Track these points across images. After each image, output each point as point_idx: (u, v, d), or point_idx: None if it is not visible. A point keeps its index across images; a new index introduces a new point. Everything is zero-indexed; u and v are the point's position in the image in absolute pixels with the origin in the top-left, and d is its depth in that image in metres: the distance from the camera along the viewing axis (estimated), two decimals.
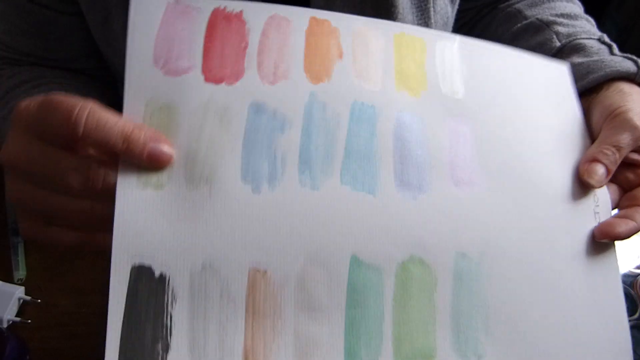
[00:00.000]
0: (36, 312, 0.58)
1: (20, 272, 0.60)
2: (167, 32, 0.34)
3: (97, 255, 0.62)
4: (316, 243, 0.33)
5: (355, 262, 0.33)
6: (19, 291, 0.58)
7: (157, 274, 0.31)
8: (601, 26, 0.55)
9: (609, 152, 0.40)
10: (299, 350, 0.32)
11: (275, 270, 0.32)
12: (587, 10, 0.58)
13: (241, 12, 0.35)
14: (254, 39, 0.35)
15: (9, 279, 0.60)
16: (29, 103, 0.32)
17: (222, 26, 0.35)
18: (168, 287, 0.31)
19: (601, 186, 0.40)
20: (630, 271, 0.64)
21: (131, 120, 0.32)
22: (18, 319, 0.57)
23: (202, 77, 0.34)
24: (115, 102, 0.53)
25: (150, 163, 0.32)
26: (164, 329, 0.30)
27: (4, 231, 0.63)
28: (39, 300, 0.58)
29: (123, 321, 0.30)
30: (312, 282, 0.32)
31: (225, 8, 0.35)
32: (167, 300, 0.31)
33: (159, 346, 0.30)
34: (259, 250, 0.32)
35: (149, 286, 0.31)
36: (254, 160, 0.33)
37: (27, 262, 0.61)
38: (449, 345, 0.34)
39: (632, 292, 0.61)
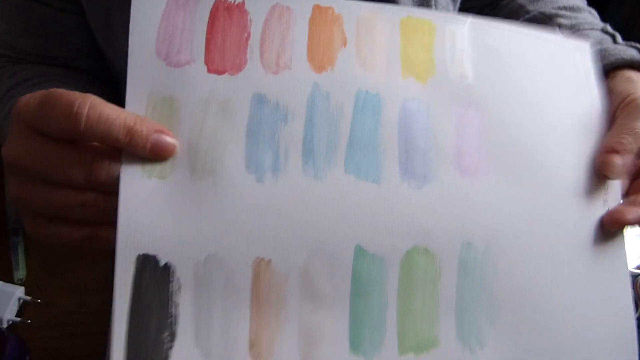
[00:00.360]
0: (36, 312, 0.58)
1: (20, 272, 0.60)
2: (169, 25, 0.34)
3: (97, 254, 0.62)
4: (320, 233, 0.33)
5: (359, 252, 0.33)
6: (19, 291, 0.58)
7: (161, 263, 0.31)
8: None
9: (626, 141, 0.39)
10: (303, 339, 0.32)
11: (279, 260, 0.32)
12: None
13: (243, 2, 0.35)
14: (255, 30, 0.35)
15: (9, 279, 0.60)
16: (29, 99, 0.31)
17: (223, 18, 0.35)
18: (173, 277, 0.31)
19: (619, 178, 0.39)
20: (630, 271, 0.63)
21: (133, 113, 0.32)
22: (18, 319, 0.57)
23: (204, 69, 0.34)
24: (116, 101, 0.53)
25: (154, 154, 0.32)
26: (170, 318, 0.30)
27: (4, 231, 0.63)
28: (39, 300, 0.58)
29: (129, 311, 0.30)
30: (316, 271, 0.32)
31: None
32: (172, 289, 0.31)
33: (165, 335, 0.30)
34: (263, 240, 0.32)
35: (154, 276, 0.31)
36: (257, 151, 0.33)
37: (27, 262, 0.61)
38: (452, 334, 0.34)
39: (632, 292, 0.61)
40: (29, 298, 0.58)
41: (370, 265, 0.33)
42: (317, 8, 0.36)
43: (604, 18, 0.56)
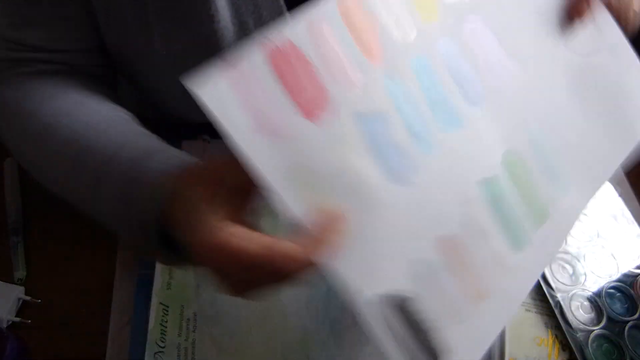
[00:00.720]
0: (36, 312, 0.58)
1: (20, 272, 0.60)
2: (248, 100, 0.32)
3: (97, 254, 0.62)
4: (458, 191, 0.39)
5: (482, 184, 0.40)
6: (19, 291, 0.58)
7: (386, 298, 0.34)
8: None
9: None
10: (500, 272, 0.40)
11: (454, 230, 0.38)
12: None
13: (288, 40, 0.34)
14: (314, 58, 0.35)
15: (9, 279, 0.60)
16: (208, 258, 0.33)
17: (285, 64, 0.34)
18: (405, 306, 0.34)
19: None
20: (630, 271, 0.64)
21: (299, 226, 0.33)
22: (18, 319, 0.57)
23: (306, 121, 0.34)
24: (119, 96, 0.53)
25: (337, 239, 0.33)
26: (423, 334, 0.35)
27: (4, 231, 0.63)
28: (39, 300, 0.58)
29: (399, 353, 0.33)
30: (473, 216, 0.40)
31: (273, 43, 0.34)
32: (415, 314, 0.35)
33: (431, 353, 0.35)
34: (438, 221, 0.38)
35: (391, 312, 0.34)
36: (385, 160, 0.36)
37: (27, 262, 0.61)
38: (559, 195, 0.44)
39: (632, 292, 0.61)
40: (29, 298, 0.58)
41: (493, 187, 0.41)
42: (341, 7, 0.36)
43: None
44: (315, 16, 0.35)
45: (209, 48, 0.47)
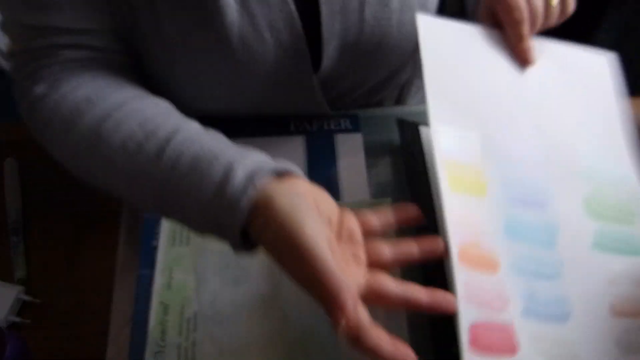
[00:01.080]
0: (36, 312, 0.58)
1: (20, 272, 0.60)
2: None
3: (97, 255, 0.62)
4: (598, 268, 0.42)
5: (595, 247, 0.42)
6: (19, 291, 0.58)
7: None
8: (601, 26, 0.55)
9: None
10: None
11: (614, 296, 0.40)
12: (587, 10, 0.58)
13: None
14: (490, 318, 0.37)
15: (9, 279, 0.60)
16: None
17: (479, 344, 0.36)
18: None
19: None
20: None
21: None
22: (18, 319, 0.57)
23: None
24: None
25: None
26: None
27: (4, 231, 0.63)
28: (39, 301, 0.59)
29: None
30: (617, 275, 0.41)
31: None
32: None
33: None
34: (598, 292, 0.40)
35: None
36: (561, 309, 0.39)
37: (27, 262, 0.61)
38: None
39: None
40: (29, 298, 0.58)
41: (604, 239, 0.43)
42: (464, 261, 0.38)
43: (604, 18, 0.56)
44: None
45: (213, 26, 0.47)
